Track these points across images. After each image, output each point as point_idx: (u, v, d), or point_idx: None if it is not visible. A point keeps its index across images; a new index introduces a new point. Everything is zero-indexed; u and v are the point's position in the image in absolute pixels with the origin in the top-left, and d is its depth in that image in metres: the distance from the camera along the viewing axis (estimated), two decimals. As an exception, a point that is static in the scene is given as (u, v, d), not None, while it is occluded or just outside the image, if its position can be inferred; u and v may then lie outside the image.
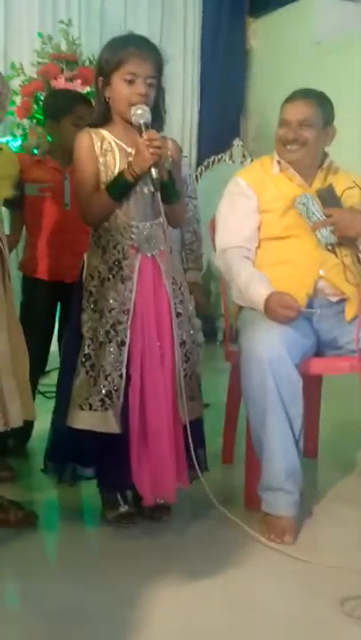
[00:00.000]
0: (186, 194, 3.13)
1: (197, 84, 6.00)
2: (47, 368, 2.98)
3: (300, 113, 2.46)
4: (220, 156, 5.89)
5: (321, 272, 2.45)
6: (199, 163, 5.89)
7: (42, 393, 2.99)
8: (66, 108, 2.73)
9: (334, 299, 2.48)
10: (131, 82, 2.11)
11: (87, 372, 2.17)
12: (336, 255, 2.44)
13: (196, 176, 5.68)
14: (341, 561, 2.04)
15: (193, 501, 2.31)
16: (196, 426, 2.30)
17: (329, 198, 2.45)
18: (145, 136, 2.07)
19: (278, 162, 2.54)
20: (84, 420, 2.16)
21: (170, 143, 2.22)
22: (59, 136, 2.78)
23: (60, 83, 4.22)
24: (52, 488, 2.51)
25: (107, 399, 2.14)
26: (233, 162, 5.82)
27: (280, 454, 2.18)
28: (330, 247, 2.43)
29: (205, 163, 5.86)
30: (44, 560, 2.13)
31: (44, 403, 2.77)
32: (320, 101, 2.51)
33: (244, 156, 5.87)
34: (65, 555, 2.19)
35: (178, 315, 2.23)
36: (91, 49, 4.51)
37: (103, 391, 2.14)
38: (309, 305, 2.41)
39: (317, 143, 2.51)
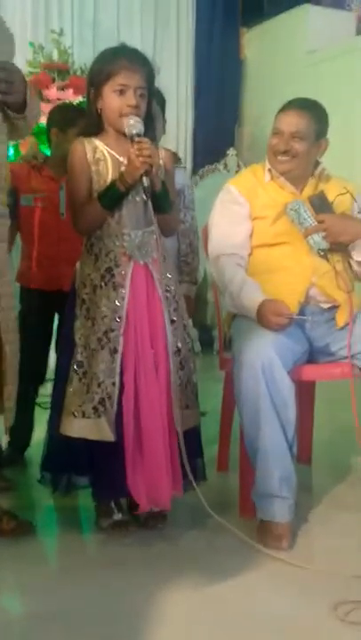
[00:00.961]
0: (184, 204, 3.14)
1: (191, 94, 6.03)
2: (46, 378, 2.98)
3: (293, 124, 2.47)
4: (214, 166, 5.92)
5: (313, 279, 2.45)
6: (194, 172, 5.91)
7: (39, 404, 2.99)
8: (73, 120, 2.75)
9: (326, 305, 2.49)
10: (121, 93, 2.14)
11: (80, 380, 2.17)
12: (328, 261, 2.45)
13: (191, 186, 5.70)
14: (337, 566, 2.04)
15: (188, 509, 2.31)
16: (193, 435, 2.30)
17: (320, 204, 2.46)
18: (135, 145, 2.10)
19: (270, 170, 2.56)
20: (77, 427, 2.16)
21: (162, 152, 2.25)
22: (63, 146, 2.79)
23: (52, 92, 4.25)
24: (49, 497, 2.50)
25: (100, 407, 2.14)
26: (228, 171, 5.85)
27: (274, 460, 2.19)
28: (322, 253, 2.43)
29: (200, 172, 5.89)
30: (40, 568, 2.12)
31: (43, 413, 2.77)
32: (314, 113, 2.51)
33: (238, 165, 5.89)
34: (60, 563, 2.20)
35: (172, 322, 2.24)
36: (83, 58, 4.54)
37: (96, 399, 2.14)
38: (301, 312, 2.42)
39: (308, 155, 2.52)
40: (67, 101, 4.17)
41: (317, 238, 2.41)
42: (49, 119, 2.91)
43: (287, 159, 2.48)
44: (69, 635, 1.74)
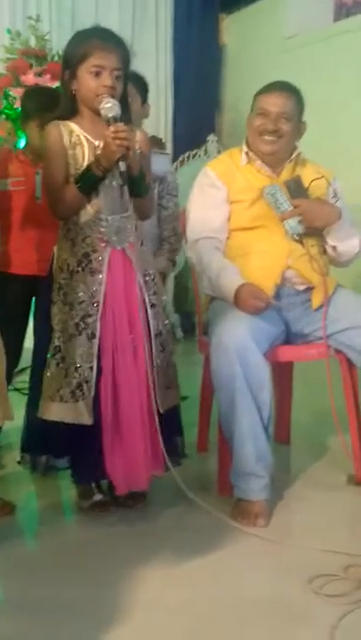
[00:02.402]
0: (167, 191, 3.17)
1: (171, 81, 6.01)
2: (24, 364, 2.99)
3: (280, 105, 2.49)
4: (195, 152, 5.92)
5: (289, 262, 2.49)
6: (174, 159, 5.90)
7: (18, 389, 3.01)
8: (51, 104, 2.74)
9: (301, 287, 2.53)
10: (97, 74, 2.13)
11: (57, 365, 2.20)
12: (303, 245, 2.48)
13: (174, 172, 5.71)
14: (311, 542, 2.09)
15: (168, 489, 2.34)
16: (173, 414, 2.35)
17: (296, 189, 2.49)
18: (112, 128, 2.08)
19: (247, 153, 2.58)
20: (55, 411, 2.19)
21: (138, 135, 2.24)
22: (36, 134, 2.79)
23: (30, 78, 4.23)
24: (29, 479, 2.54)
25: (77, 391, 2.17)
26: (208, 157, 5.84)
27: (249, 440, 2.23)
28: (297, 237, 2.47)
29: (181, 158, 5.89)
30: (21, 549, 2.15)
31: (21, 399, 2.79)
32: (298, 95, 2.55)
33: (219, 151, 5.89)
34: (41, 543, 2.23)
35: (152, 306, 2.27)
36: (61, 44, 4.50)
37: (74, 383, 2.17)
38: (277, 294, 2.46)
39: (293, 136, 2.54)
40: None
41: (293, 223, 2.45)
42: (22, 108, 2.91)
43: (274, 139, 2.50)
44: (54, 613, 1.77)
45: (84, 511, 2.32)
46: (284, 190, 2.47)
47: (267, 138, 2.50)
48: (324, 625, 1.68)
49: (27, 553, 2.15)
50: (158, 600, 1.83)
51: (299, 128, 2.56)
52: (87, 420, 2.16)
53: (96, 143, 2.18)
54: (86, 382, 2.17)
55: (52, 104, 2.81)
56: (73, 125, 2.21)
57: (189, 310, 5.66)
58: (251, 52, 5.95)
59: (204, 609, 1.79)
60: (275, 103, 2.49)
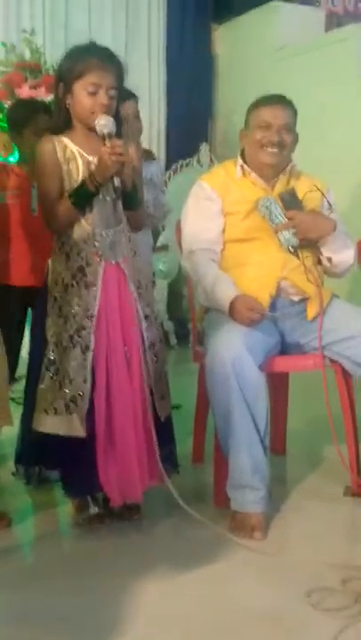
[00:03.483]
0: (160, 189, 3.22)
1: (164, 91, 6.05)
2: (19, 374, 2.99)
3: (282, 117, 2.51)
4: (187, 161, 5.94)
5: (283, 273, 2.49)
6: (167, 167, 5.93)
7: (12, 399, 3.00)
8: (26, 119, 2.76)
9: (296, 298, 2.53)
10: (93, 92, 2.14)
11: (51, 377, 2.20)
12: (298, 257, 2.49)
13: (165, 181, 5.73)
14: (309, 554, 2.09)
15: (163, 501, 2.34)
16: (167, 424, 2.35)
17: (291, 201, 2.50)
18: (108, 144, 2.10)
19: (241, 166, 2.59)
20: (48, 423, 2.19)
21: (131, 149, 2.25)
22: (22, 147, 2.81)
23: (25, 91, 4.25)
24: (24, 491, 2.53)
25: (71, 403, 2.17)
26: (201, 166, 5.88)
27: (245, 452, 2.23)
28: (292, 249, 2.48)
29: (174, 167, 5.91)
30: (16, 562, 2.15)
31: (16, 409, 2.78)
32: (293, 107, 2.57)
33: (211, 160, 5.93)
34: (36, 557, 2.22)
35: (146, 317, 2.28)
36: (55, 57, 4.51)
37: (68, 396, 2.17)
38: (272, 305, 2.47)
39: (292, 149, 2.57)
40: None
41: (287, 235, 2.45)
42: (6, 121, 2.94)
43: (277, 151, 2.51)
44: (49, 627, 1.76)
45: (80, 524, 2.31)
46: (278, 202, 2.48)
47: (270, 150, 2.51)
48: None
49: (23, 566, 2.14)
50: (155, 612, 1.83)
51: (296, 141, 2.58)
52: (80, 432, 2.16)
53: (90, 158, 2.19)
54: (80, 395, 2.17)
55: (40, 111, 2.84)
56: (66, 140, 2.22)
57: (183, 317, 5.68)
58: (243, 61, 5.99)
59: (200, 622, 1.78)
60: (276, 115, 2.51)
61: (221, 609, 1.84)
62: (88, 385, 2.17)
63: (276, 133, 2.50)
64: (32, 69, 4.46)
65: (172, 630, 1.75)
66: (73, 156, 2.20)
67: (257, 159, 2.55)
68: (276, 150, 2.51)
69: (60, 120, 2.24)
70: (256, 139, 2.53)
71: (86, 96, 2.15)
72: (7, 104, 4.20)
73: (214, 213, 2.57)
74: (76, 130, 2.23)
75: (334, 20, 5.98)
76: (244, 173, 2.59)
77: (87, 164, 2.19)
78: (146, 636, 1.72)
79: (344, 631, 1.69)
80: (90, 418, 2.17)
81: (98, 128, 2.13)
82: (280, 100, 2.56)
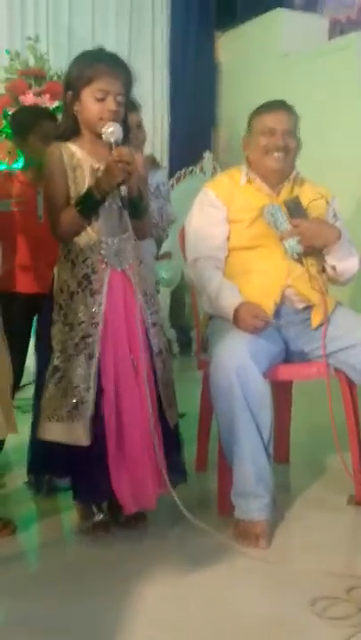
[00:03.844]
0: (165, 198, 3.23)
1: (167, 98, 6.07)
2: (24, 382, 2.99)
3: (285, 122, 2.53)
4: (191, 169, 5.96)
5: (288, 282, 2.50)
6: (171, 175, 5.94)
7: (18, 407, 3.00)
8: (30, 124, 2.77)
9: (301, 306, 2.53)
10: (102, 98, 2.14)
11: (56, 385, 2.20)
12: (302, 265, 2.50)
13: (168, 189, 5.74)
14: (313, 563, 2.09)
15: (168, 509, 2.33)
16: (174, 432, 2.36)
17: (295, 209, 2.51)
18: (115, 153, 2.10)
19: (246, 174, 2.60)
20: (52, 431, 2.19)
21: (137, 157, 2.25)
22: (27, 153, 2.82)
23: (29, 98, 4.27)
24: (30, 499, 2.53)
25: (74, 411, 2.17)
26: (204, 174, 5.89)
27: (249, 460, 2.23)
28: (296, 257, 2.48)
29: (177, 175, 5.92)
30: (20, 569, 2.15)
31: (20, 416, 2.79)
32: (295, 113, 2.59)
33: (215, 168, 5.94)
34: (40, 564, 2.23)
35: (153, 325, 2.28)
36: (59, 64, 4.56)
37: (71, 403, 2.17)
38: (277, 312, 2.47)
39: (296, 154, 2.59)
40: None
41: (292, 242, 2.46)
42: (10, 127, 2.94)
43: (283, 156, 2.53)
44: (54, 635, 1.77)
45: (85, 532, 2.31)
46: (283, 210, 2.49)
47: (276, 155, 2.53)
48: (327, 648, 1.67)
49: (26, 572, 2.14)
50: (157, 618, 1.83)
51: (299, 145, 2.60)
52: (84, 441, 2.16)
53: (96, 166, 2.19)
54: (84, 402, 2.17)
55: (44, 117, 2.85)
56: (73, 147, 2.22)
57: (185, 325, 5.68)
58: (246, 69, 6.00)
59: (202, 629, 1.78)
60: (280, 121, 2.53)
61: (225, 616, 1.84)
62: (92, 393, 2.17)
63: (280, 138, 2.51)
64: (36, 76, 4.48)
65: (173, 637, 1.75)
66: (80, 163, 2.20)
67: (263, 165, 2.56)
68: (281, 155, 2.53)
69: (67, 127, 2.24)
70: (261, 145, 2.54)
71: (94, 102, 2.15)
72: (11, 111, 4.22)
73: (219, 221, 2.58)
74: (83, 137, 2.23)
75: (338, 28, 5.99)
76: (249, 180, 2.59)
77: (94, 171, 2.19)
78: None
79: (350, 640, 1.70)
80: (99, 425, 2.17)
81: (105, 136, 2.12)
82: (283, 106, 2.58)
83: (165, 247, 5.40)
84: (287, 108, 2.58)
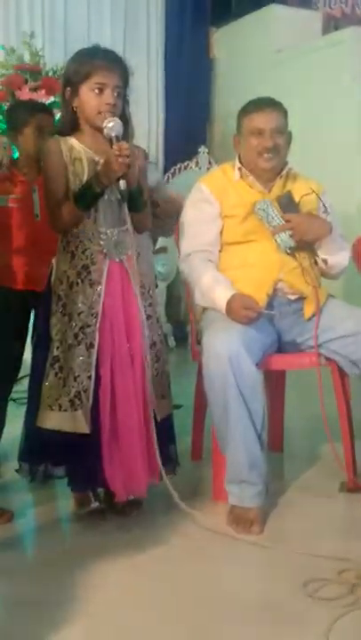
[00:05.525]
0: (162, 196, 3.27)
1: (162, 94, 6.11)
2: (21, 375, 3.03)
3: (273, 121, 2.54)
4: (186, 164, 5.99)
5: (280, 275, 2.54)
6: (166, 170, 5.98)
7: (14, 399, 3.05)
8: (26, 118, 2.79)
9: (293, 297, 2.58)
10: (99, 92, 2.19)
11: (56, 374, 2.24)
12: (295, 258, 2.54)
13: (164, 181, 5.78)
14: (305, 548, 2.13)
15: (163, 497, 2.38)
16: (168, 423, 2.40)
17: (287, 204, 2.54)
18: (115, 147, 2.14)
19: (239, 169, 2.63)
20: (53, 420, 2.23)
21: (136, 151, 2.29)
22: (22, 147, 2.84)
23: (25, 93, 4.29)
24: (26, 488, 2.57)
25: (76, 400, 2.21)
26: (199, 169, 5.93)
27: (242, 447, 2.27)
28: (289, 251, 2.53)
29: (172, 170, 5.96)
30: (18, 557, 2.19)
31: (17, 409, 2.83)
32: (282, 108, 2.60)
33: (210, 162, 5.98)
34: (38, 551, 2.27)
35: (148, 317, 2.32)
36: (55, 59, 4.60)
37: (72, 392, 2.21)
38: (269, 304, 2.52)
39: (286, 150, 2.61)
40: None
41: (285, 237, 2.50)
42: (5, 121, 2.95)
43: (272, 156, 2.55)
44: (49, 620, 1.80)
45: (81, 519, 2.36)
46: (275, 205, 2.53)
47: (266, 155, 2.55)
48: (318, 628, 1.71)
49: (25, 560, 2.19)
50: (152, 603, 1.88)
51: (289, 141, 2.62)
52: (85, 428, 2.21)
53: (96, 159, 2.24)
54: (84, 391, 2.21)
55: (39, 111, 2.87)
56: (73, 141, 2.26)
57: (181, 319, 5.73)
58: (240, 65, 6.04)
59: (197, 613, 1.83)
60: (267, 120, 2.54)
61: (218, 600, 1.89)
62: (92, 382, 2.21)
63: (269, 139, 2.54)
64: (32, 72, 4.51)
65: (169, 621, 1.80)
66: (79, 156, 2.25)
67: (255, 166, 2.59)
68: (271, 155, 2.55)
69: (67, 122, 2.29)
70: (252, 146, 2.56)
71: (93, 96, 2.20)
72: (7, 106, 4.24)
73: (212, 216, 2.61)
74: (83, 132, 2.27)
75: (332, 24, 6.04)
76: (241, 176, 2.63)
77: (93, 164, 2.24)
78: (143, 628, 1.77)
79: (340, 619, 1.74)
80: (94, 414, 2.21)
81: (105, 131, 2.17)
82: (269, 104, 2.59)
83: (161, 242, 5.44)
84: (274, 104, 2.59)
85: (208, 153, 6.06)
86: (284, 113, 2.60)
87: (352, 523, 2.44)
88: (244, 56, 6.00)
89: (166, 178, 5.91)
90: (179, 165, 5.97)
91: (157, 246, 5.39)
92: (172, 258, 5.20)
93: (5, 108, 4.19)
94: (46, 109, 2.93)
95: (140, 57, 5.91)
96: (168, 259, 5.47)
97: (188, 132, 6.12)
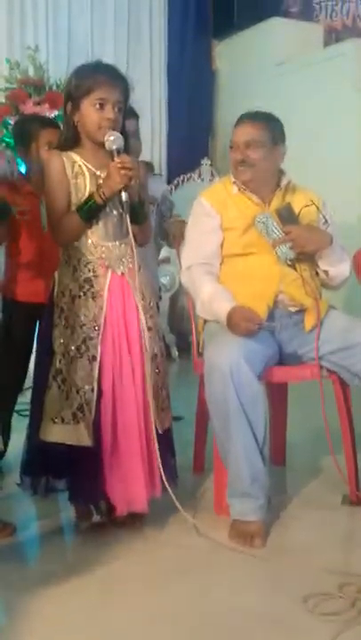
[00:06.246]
0: (168, 207, 3.31)
1: (165, 106, 6.14)
2: (25, 386, 3.03)
3: (246, 135, 2.57)
4: (189, 176, 6.02)
5: (281, 287, 2.54)
6: (168, 182, 6.00)
7: (17, 411, 3.05)
8: (33, 133, 2.81)
9: (293, 309, 2.58)
10: (101, 107, 2.22)
11: (59, 387, 2.24)
12: (295, 270, 2.54)
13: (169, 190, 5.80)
14: (306, 561, 2.13)
15: (165, 510, 2.38)
16: (167, 435, 2.39)
17: (287, 216, 2.55)
18: (117, 160, 2.18)
19: (235, 182, 2.65)
20: (56, 433, 2.23)
21: (139, 166, 2.32)
22: (30, 162, 2.85)
23: (29, 107, 4.32)
24: (28, 501, 2.57)
25: (78, 412, 2.22)
26: (202, 180, 5.96)
27: (244, 460, 2.27)
28: (289, 262, 2.53)
29: (175, 182, 5.98)
30: (20, 570, 2.18)
31: (20, 421, 2.84)
32: (267, 122, 2.60)
33: (212, 174, 6.00)
34: (40, 564, 2.25)
35: (149, 329, 2.32)
36: (58, 73, 4.63)
37: (75, 405, 2.22)
38: (270, 316, 2.52)
39: (266, 163, 2.59)
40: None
41: (285, 249, 2.51)
42: (13, 136, 2.97)
43: (245, 169, 2.57)
44: (51, 633, 1.80)
45: (82, 532, 2.35)
46: (274, 218, 2.53)
47: (240, 168, 2.58)
48: (320, 643, 1.71)
49: (27, 573, 2.18)
50: (154, 616, 1.87)
51: (274, 152, 2.60)
52: (87, 441, 2.21)
53: (97, 173, 2.26)
54: (87, 404, 2.21)
55: (47, 126, 2.89)
56: (75, 156, 2.28)
57: (184, 330, 5.72)
58: (243, 77, 6.07)
59: (198, 626, 1.82)
60: (241, 134, 2.58)
61: (220, 614, 1.88)
62: (95, 394, 2.22)
63: (238, 152, 2.56)
64: (36, 86, 4.54)
65: (169, 634, 1.79)
66: (81, 171, 2.27)
67: (235, 178, 2.62)
68: (243, 168, 2.57)
69: (68, 137, 2.31)
70: (230, 158, 2.62)
71: (94, 111, 2.22)
72: (11, 120, 4.27)
73: (213, 229, 2.62)
74: (84, 146, 2.30)
75: (333, 36, 6.06)
76: (239, 189, 2.64)
77: (95, 178, 2.26)
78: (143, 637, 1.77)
79: (341, 635, 1.73)
80: (96, 426, 2.21)
81: (107, 144, 2.20)
82: (248, 117, 2.60)
83: (164, 253, 5.45)
84: (253, 118, 2.59)
85: (211, 165, 6.09)
86: (266, 126, 2.58)
87: (354, 536, 2.43)
88: (246, 68, 6.03)
89: (169, 189, 5.92)
90: (181, 177, 6.00)
91: (160, 257, 5.40)
92: (175, 269, 5.22)
93: (11, 122, 4.23)
94: (55, 124, 2.95)
95: (143, 69, 5.96)
96: (171, 270, 5.48)
97: (190, 144, 6.15)
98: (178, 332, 5.80)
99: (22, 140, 2.88)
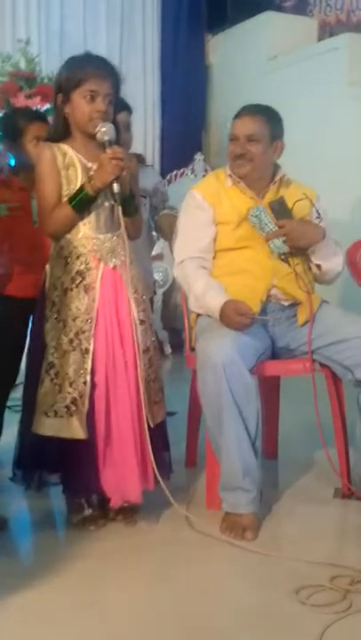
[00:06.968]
0: (162, 199, 3.33)
1: (158, 101, 6.12)
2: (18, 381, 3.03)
3: (247, 128, 2.56)
4: (182, 171, 6.00)
5: (274, 282, 2.55)
6: (162, 177, 5.98)
7: (9, 407, 3.05)
8: (21, 127, 2.80)
9: (286, 303, 2.58)
10: (91, 99, 2.21)
11: (52, 380, 2.24)
12: (289, 264, 2.54)
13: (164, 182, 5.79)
14: (298, 554, 2.13)
15: (157, 503, 2.38)
16: (161, 429, 2.40)
17: (280, 210, 2.55)
18: (109, 151, 2.17)
19: (230, 175, 2.64)
20: (49, 426, 2.23)
21: (130, 158, 2.32)
22: (19, 156, 2.84)
23: (20, 100, 4.29)
24: (20, 495, 2.56)
25: (72, 405, 2.21)
26: (195, 176, 5.93)
27: (236, 454, 2.27)
28: (283, 257, 2.53)
29: (168, 177, 5.96)
30: (11, 563, 2.18)
31: (13, 416, 2.83)
32: (268, 117, 2.60)
33: (206, 170, 5.98)
34: (33, 558, 2.26)
35: (141, 322, 2.32)
36: (50, 67, 4.59)
37: (68, 398, 2.22)
38: (263, 310, 2.52)
39: (265, 157, 2.59)
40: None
41: (278, 243, 2.51)
42: (1, 130, 2.96)
43: (244, 162, 2.56)
44: (42, 628, 1.81)
45: (75, 526, 2.35)
46: (268, 211, 2.53)
47: (238, 162, 2.57)
48: (311, 634, 1.72)
49: (19, 567, 2.18)
50: (147, 610, 1.87)
51: (273, 148, 2.60)
52: (81, 434, 2.21)
53: (89, 165, 2.26)
54: (80, 397, 2.22)
55: (36, 119, 2.87)
56: (66, 147, 2.28)
57: (177, 326, 5.72)
58: (236, 71, 6.05)
59: (191, 619, 1.83)
60: (242, 127, 2.56)
61: (212, 606, 1.89)
62: (88, 387, 2.22)
63: (240, 145, 2.55)
64: (27, 79, 4.51)
65: (162, 628, 1.79)
66: (72, 162, 2.27)
67: (232, 171, 2.61)
68: (242, 162, 2.56)
69: (58, 129, 2.31)
70: (229, 151, 2.60)
71: (84, 103, 2.22)
72: (2, 113, 4.24)
73: (206, 222, 2.61)
74: (75, 138, 2.29)
75: (327, 30, 6.04)
76: (233, 182, 2.64)
77: (86, 170, 2.26)
78: (136, 635, 1.76)
79: (332, 626, 1.74)
80: (89, 420, 2.21)
81: (99, 135, 2.20)
82: (248, 111, 2.59)
83: (157, 249, 5.45)
84: (253, 112, 2.59)
85: (204, 160, 6.06)
86: (267, 120, 2.58)
87: (346, 529, 2.44)
88: (240, 62, 6.02)
89: (163, 182, 5.91)
90: (175, 172, 5.98)
91: (153, 253, 5.39)
92: (169, 265, 5.21)
93: (1, 115, 4.20)
94: (43, 118, 2.94)
95: (136, 63, 5.93)
96: (164, 266, 5.47)
97: (184, 139, 6.13)
98: (171, 328, 5.79)
99: (10, 135, 2.87)
